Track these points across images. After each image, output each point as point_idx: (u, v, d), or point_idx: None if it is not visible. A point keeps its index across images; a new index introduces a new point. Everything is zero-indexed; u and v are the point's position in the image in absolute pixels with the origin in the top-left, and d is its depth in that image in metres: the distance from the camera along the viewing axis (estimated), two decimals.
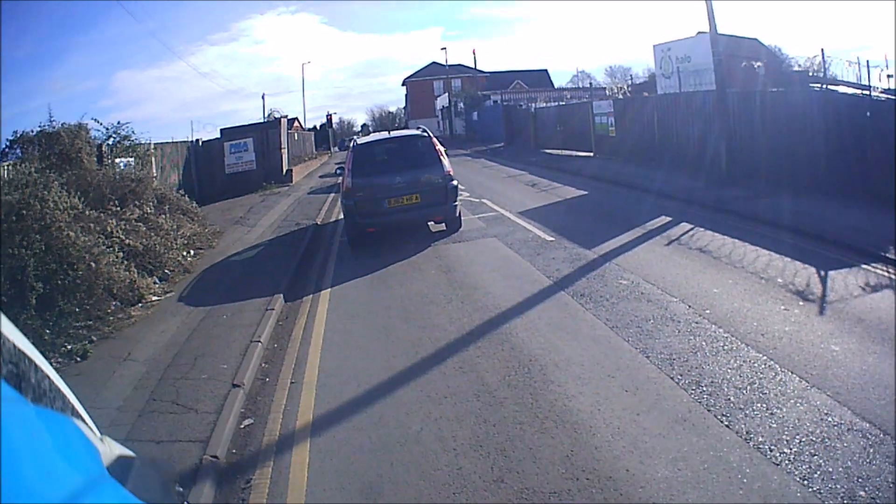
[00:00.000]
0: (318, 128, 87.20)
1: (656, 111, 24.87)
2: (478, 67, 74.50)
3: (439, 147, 14.71)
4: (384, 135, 16.41)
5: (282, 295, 11.25)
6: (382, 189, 13.89)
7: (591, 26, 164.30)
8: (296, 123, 75.07)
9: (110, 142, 18.69)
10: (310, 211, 21.98)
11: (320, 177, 37.85)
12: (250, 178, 31.53)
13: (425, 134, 15.07)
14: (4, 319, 1.82)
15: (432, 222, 15.28)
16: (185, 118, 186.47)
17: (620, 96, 29.94)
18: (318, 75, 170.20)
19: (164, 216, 15.82)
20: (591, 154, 30.45)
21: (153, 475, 2.51)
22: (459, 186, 15.40)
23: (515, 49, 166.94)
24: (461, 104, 66.53)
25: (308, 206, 23.67)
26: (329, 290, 11.73)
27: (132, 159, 20.48)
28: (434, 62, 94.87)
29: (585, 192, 19.97)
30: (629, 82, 32.24)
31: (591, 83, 49.64)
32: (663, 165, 22.47)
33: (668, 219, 14.36)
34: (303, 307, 10.82)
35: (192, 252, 15.42)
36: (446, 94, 72.48)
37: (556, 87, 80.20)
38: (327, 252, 15.31)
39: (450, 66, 76.06)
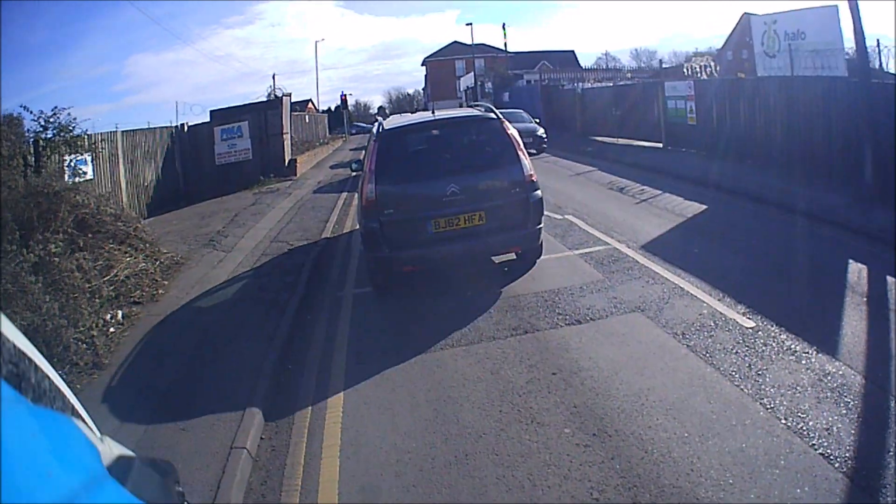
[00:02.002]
0: (332, 110, 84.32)
1: (757, 97, 19.62)
2: (505, 42, 68.89)
3: (514, 134, 9.69)
4: (425, 116, 10.84)
5: (258, 413, 6.38)
6: (425, 203, 9.14)
7: (612, 9, 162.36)
8: (309, 105, 73.87)
9: (47, 134, 13.75)
10: (311, 223, 16.16)
11: (331, 167, 32.00)
12: (245, 171, 26.14)
13: (492, 115, 9.98)
14: (4, 319, 1.82)
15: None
16: (201, 101, 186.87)
17: (705, 76, 23.90)
18: (335, 58, 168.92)
19: (80, 254, 10.15)
20: (661, 145, 25.27)
21: (153, 475, 2.44)
22: None
23: (533, 31, 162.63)
24: (489, 84, 60.29)
25: (311, 212, 17.85)
26: (341, 396, 6.69)
27: (89, 155, 16.10)
28: (456, 41, 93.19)
29: (704, 207, 14.06)
30: (707, 64, 26.05)
31: (661, 61, 43.72)
32: (770, 166, 17.77)
33: (861, 266, 9.48)
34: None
35: (119, 314, 9.55)
36: (471, 73, 67.31)
37: (583, 68, 75.66)
38: (335, 306, 9.77)
39: (471, 45, 71.34)
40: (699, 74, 24.30)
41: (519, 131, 22.07)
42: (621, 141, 28.59)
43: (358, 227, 10.89)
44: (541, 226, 9.54)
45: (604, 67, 76.23)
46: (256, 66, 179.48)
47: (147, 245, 12.37)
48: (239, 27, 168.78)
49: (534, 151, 24.73)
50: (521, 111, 31.26)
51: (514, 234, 9.35)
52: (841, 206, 12.82)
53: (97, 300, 9.37)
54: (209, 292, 10.64)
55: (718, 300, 8.16)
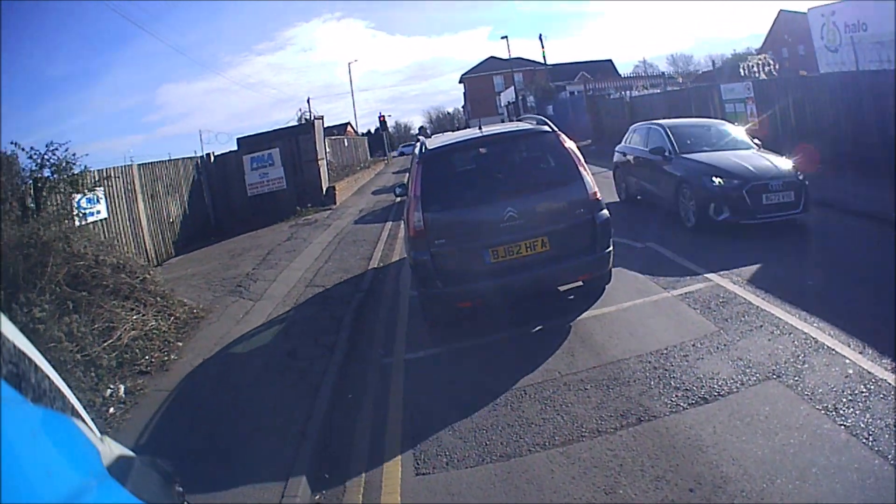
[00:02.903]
0: (371, 132, 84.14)
1: (824, 95, 17.51)
2: (544, 55, 67.39)
3: (573, 148, 8.66)
4: (472, 133, 9.81)
5: None
6: (481, 230, 8.13)
7: (642, 16, 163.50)
8: (349, 129, 73.57)
9: (45, 172, 11.88)
10: (352, 260, 14.33)
11: (373, 193, 30.26)
12: (280, 201, 24.68)
13: (547, 128, 8.99)
14: (4, 319, 1.82)
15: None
16: (238, 128, 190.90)
17: (763, 76, 21.95)
18: (369, 80, 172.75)
19: (73, 317, 8.47)
20: None
21: (153, 475, 2.41)
22: None
23: (567, 43, 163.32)
24: (531, 98, 58.51)
25: (352, 247, 15.99)
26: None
27: (101, 193, 14.78)
28: (492, 56, 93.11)
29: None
30: (766, 63, 23.91)
31: (714, 62, 41.98)
32: (846, 169, 15.77)
33: None
34: None
35: (121, 389, 7.82)
36: (511, 88, 66.24)
37: (621, 76, 74.45)
38: (383, 379, 7.79)
39: (508, 59, 70.83)
40: (757, 74, 22.31)
41: (757, 175, 11.90)
42: None
43: (406, 259, 9.72)
44: (610, 249, 8.45)
45: (642, 74, 74.58)
46: (291, 92, 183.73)
47: (158, 299, 10.68)
48: (270, 53, 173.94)
49: (780, 216, 11.67)
50: (725, 124, 15.46)
51: (581, 260, 8.29)
52: None
53: (94, 373, 7.76)
54: (230, 358, 8.86)
55: (860, 353, 6.35)
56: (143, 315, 9.71)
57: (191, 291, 12.42)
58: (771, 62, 22.91)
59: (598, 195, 8.41)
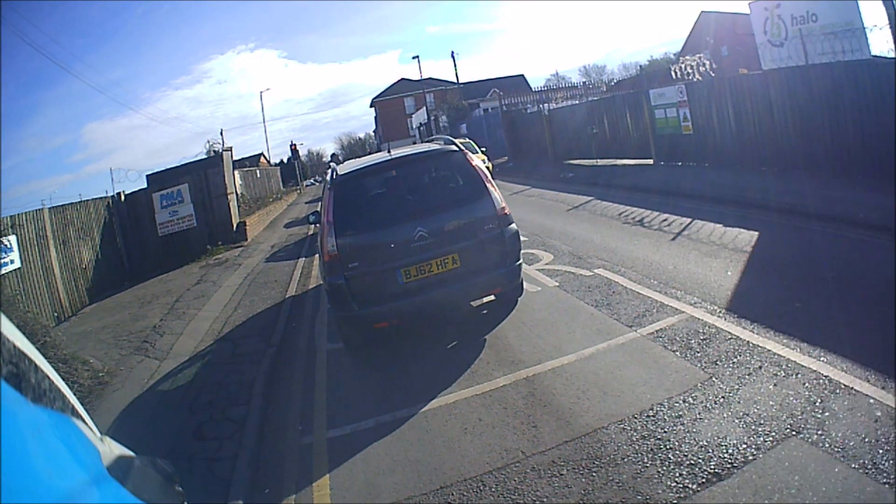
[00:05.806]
0: (284, 162, 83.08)
1: (769, 94, 16.76)
2: (457, 73, 67.07)
3: (480, 166, 9.07)
4: (382, 156, 9.98)
5: None
6: (393, 251, 8.30)
7: (548, 32, 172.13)
8: (262, 159, 74.29)
9: None
10: (263, 305, 13.16)
11: (286, 226, 28.82)
12: (191, 239, 23.32)
13: (454, 147, 9.36)
14: (4, 319, 1.78)
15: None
16: (157, 165, 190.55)
17: (698, 77, 21.09)
18: (283, 109, 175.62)
19: None
20: (651, 161, 22.76)
21: (153, 475, 2.38)
22: None
23: (476, 61, 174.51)
24: (443, 118, 57.72)
25: (263, 289, 14.67)
26: None
27: (12, 239, 13.71)
28: (403, 79, 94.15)
29: (755, 233, 11.11)
30: (701, 63, 22.90)
31: (641, 67, 41.61)
32: (790, 171, 15.72)
33: None
34: None
35: None
36: (423, 109, 65.73)
37: (533, 90, 75.25)
38: (303, 468, 6.18)
39: (419, 80, 70.67)
40: (691, 76, 21.47)
41: None
42: (602, 162, 26.02)
43: (321, 305, 10.12)
44: (520, 262, 8.82)
45: (554, 87, 75.23)
46: (208, 125, 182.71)
47: (60, 364, 9.39)
48: (188, 87, 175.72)
49: None
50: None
51: (492, 274, 8.54)
52: None
53: None
54: (134, 439, 7.16)
55: (882, 388, 5.32)
56: None
57: (99, 348, 11.33)
58: (707, 61, 22.03)
59: (507, 210, 8.68)
